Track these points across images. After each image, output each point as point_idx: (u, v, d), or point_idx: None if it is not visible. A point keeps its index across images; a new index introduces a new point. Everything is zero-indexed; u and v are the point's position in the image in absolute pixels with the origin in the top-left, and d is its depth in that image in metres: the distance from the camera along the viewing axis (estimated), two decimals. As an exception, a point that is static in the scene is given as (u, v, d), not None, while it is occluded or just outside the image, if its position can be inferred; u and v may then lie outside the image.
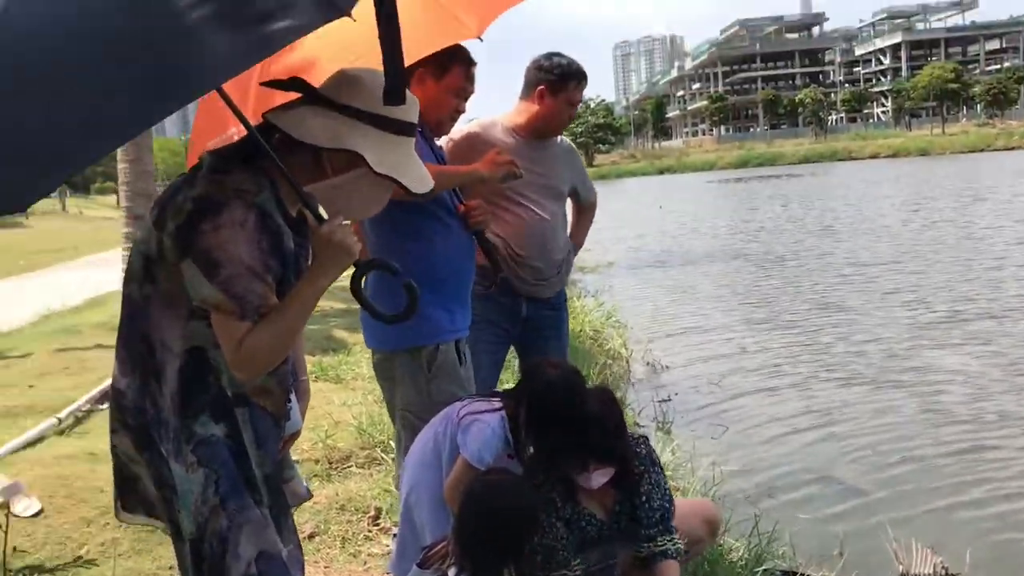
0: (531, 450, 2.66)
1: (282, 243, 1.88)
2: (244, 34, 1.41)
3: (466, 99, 3.18)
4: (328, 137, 1.84)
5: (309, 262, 2.04)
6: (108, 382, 6.01)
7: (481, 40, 2.92)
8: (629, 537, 2.73)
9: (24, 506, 3.76)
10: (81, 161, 1.41)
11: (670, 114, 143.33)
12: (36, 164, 1.38)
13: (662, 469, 2.84)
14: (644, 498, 2.71)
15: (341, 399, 5.73)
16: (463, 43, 3.05)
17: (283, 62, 2.53)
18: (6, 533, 2.82)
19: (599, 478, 2.63)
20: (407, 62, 2.97)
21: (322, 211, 1.91)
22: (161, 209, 1.87)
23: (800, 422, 6.21)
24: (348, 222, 1.91)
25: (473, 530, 2.40)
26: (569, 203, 3.97)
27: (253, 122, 1.92)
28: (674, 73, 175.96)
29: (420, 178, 1.98)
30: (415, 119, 1.95)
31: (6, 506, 3.77)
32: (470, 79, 3.15)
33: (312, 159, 1.88)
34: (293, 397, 2.26)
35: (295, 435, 2.37)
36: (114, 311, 9.43)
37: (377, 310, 2.04)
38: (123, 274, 2.02)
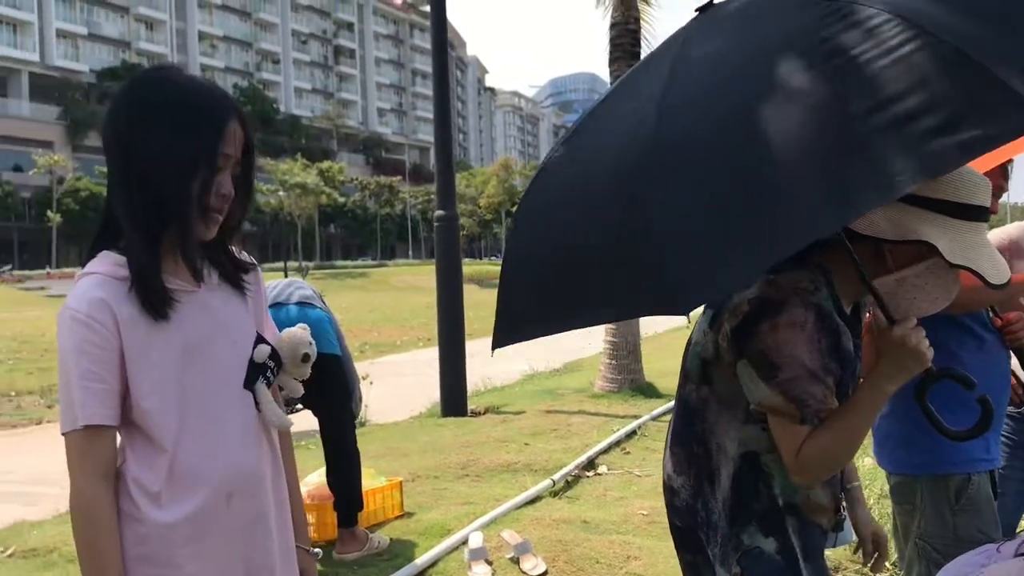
0: None
1: (840, 343, 1.79)
2: (921, 147, 1.29)
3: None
4: (893, 228, 1.72)
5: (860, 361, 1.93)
6: (594, 449, 6.41)
7: None
8: None
9: (532, 565, 4.05)
10: (756, 266, 1.48)
11: None
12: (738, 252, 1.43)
13: None
14: None
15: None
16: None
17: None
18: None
19: None
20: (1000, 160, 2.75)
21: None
22: (716, 311, 1.89)
23: None
24: (921, 328, 1.77)
25: None
26: None
27: None
28: None
29: (996, 267, 1.77)
30: (988, 201, 1.76)
31: (516, 562, 4.10)
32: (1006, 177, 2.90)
33: (872, 252, 1.77)
34: (843, 507, 2.15)
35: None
36: (590, 378, 10.09)
37: (944, 424, 1.86)
38: (679, 377, 2.08)
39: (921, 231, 1.71)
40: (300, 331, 1.94)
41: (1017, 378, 3.17)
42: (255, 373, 1.70)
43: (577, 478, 5.88)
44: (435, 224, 8.73)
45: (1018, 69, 1.30)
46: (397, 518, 4.94)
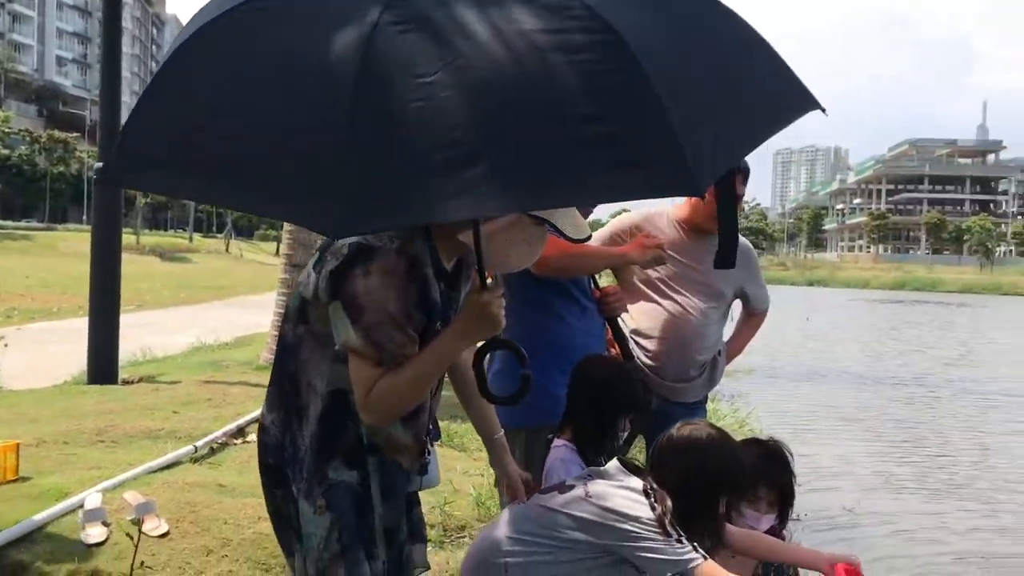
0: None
1: (429, 294, 1.91)
2: (607, 174, 1.46)
3: None
4: None
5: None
6: (246, 417, 6.27)
7: None
8: None
9: (153, 526, 3.89)
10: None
11: (827, 226, 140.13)
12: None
13: None
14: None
15: (463, 468, 5.72)
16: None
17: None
18: (136, 547, 2.92)
19: (766, 523, 2.78)
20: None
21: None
22: (322, 252, 1.94)
23: (939, 559, 5.81)
24: (503, 299, 1.90)
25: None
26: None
27: None
28: (835, 185, 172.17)
29: (576, 225, 1.96)
30: None
31: (138, 523, 3.91)
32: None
33: None
34: (434, 452, 2.26)
35: None
36: (259, 351, 9.86)
37: (488, 387, 2.02)
38: (281, 315, 2.10)
39: None
40: None
41: (619, 347, 3.48)
42: None
43: (224, 445, 5.73)
44: (94, 178, 8.10)
45: (700, 140, 1.48)
46: (10, 482, 4.53)
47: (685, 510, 2.30)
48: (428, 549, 4.18)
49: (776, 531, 2.89)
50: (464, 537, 4.56)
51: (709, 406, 9.37)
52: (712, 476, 2.38)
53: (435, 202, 1.42)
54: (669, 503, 2.28)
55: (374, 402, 1.85)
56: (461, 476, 5.48)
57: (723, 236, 1.79)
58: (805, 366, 16.85)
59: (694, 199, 3.54)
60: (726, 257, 1.82)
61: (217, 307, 19.16)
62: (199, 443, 5.47)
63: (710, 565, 2.26)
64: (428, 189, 1.42)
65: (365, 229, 1.59)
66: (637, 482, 2.34)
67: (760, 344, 18.00)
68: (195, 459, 5.31)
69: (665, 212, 3.68)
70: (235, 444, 5.80)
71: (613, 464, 2.44)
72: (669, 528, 2.23)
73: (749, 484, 2.62)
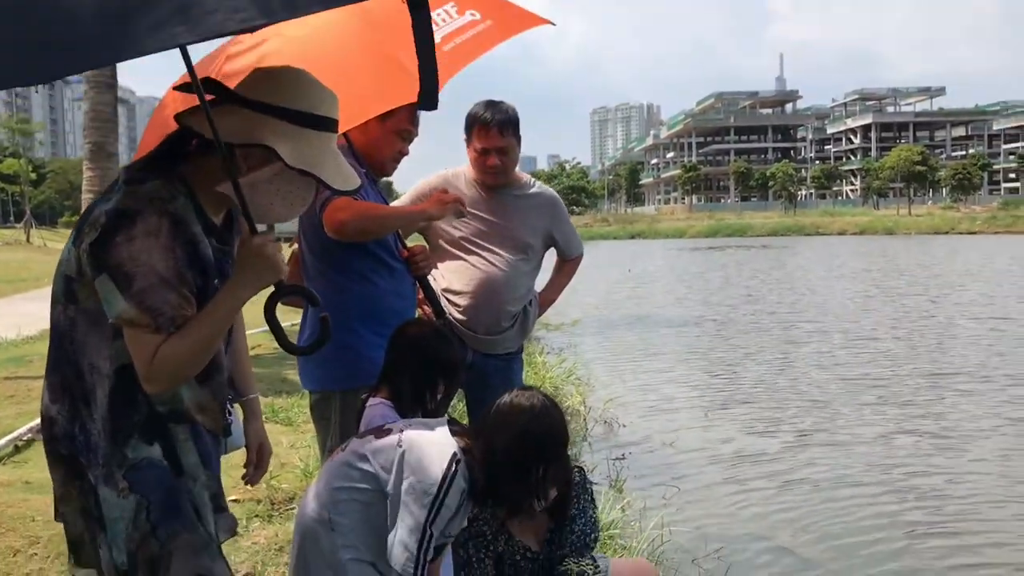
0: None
1: (199, 252, 1.84)
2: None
3: (410, 141, 3.19)
4: (239, 133, 1.78)
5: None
6: (52, 412, 5.91)
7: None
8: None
9: (-51, 533, 3.64)
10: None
11: (644, 181, 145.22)
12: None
13: (594, 501, 2.95)
14: (568, 523, 2.76)
15: (290, 441, 5.65)
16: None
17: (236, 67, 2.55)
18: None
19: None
20: (362, 119, 2.95)
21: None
22: (79, 227, 1.83)
23: (754, 486, 6.20)
24: (276, 242, 1.86)
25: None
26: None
27: (170, 131, 1.90)
28: (649, 141, 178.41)
29: (342, 175, 1.89)
30: (335, 115, 1.90)
31: (-70, 532, 3.65)
32: (414, 122, 3.15)
33: (227, 160, 1.80)
34: (236, 412, 2.21)
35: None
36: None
37: (287, 339, 1.97)
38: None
39: (263, 136, 1.78)
40: None
41: (430, 305, 3.49)
42: None
43: (30, 442, 5.41)
44: None
45: None
46: None
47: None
48: (256, 524, 4.17)
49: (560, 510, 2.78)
50: (292, 509, 4.50)
51: (538, 359, 9.72)
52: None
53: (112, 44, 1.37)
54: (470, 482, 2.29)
55: (158, 371, 1.76)
56: (288, 449, 5.42)
57: (422, 75, 1.82)
58: (626, 313, 17.54)
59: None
60: (427, 99, 1.86)
61: (18, 301, 17.79)
62: (0, 442, 5.13)
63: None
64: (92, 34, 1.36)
65: (34, 78, 1.41)
66: (452, 446, 2.32)
67: (586, 296, 18.52)
68: (-2, 460, 4.99)
69: (463, 172, 3.75)
70: (40, 439, 5.46)
71: (440, 421, 2.46)
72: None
73: (566, 457, 2.56)
